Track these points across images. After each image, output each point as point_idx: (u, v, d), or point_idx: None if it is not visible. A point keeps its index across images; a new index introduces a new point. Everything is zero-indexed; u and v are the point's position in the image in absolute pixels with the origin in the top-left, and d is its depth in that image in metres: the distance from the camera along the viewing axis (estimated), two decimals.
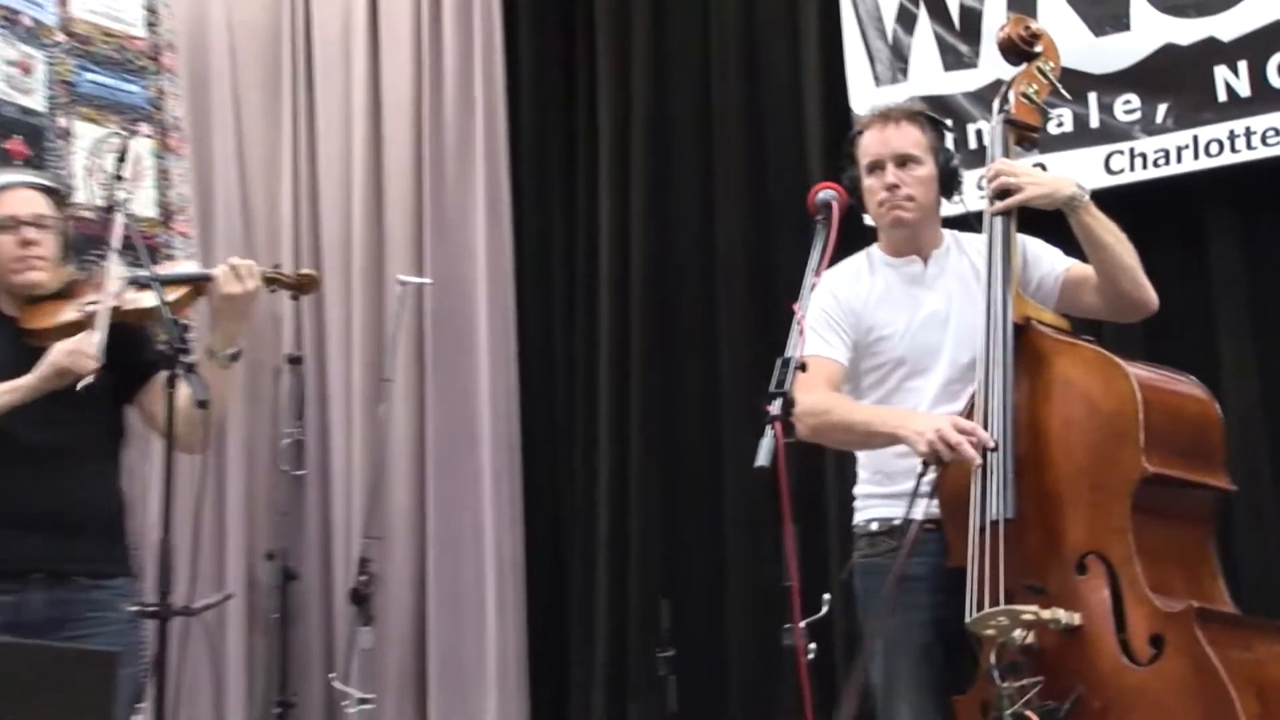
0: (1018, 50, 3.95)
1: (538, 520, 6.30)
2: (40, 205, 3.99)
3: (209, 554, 5.97)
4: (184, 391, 3.75)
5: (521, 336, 6.41)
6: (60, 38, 5.85)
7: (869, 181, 3.86)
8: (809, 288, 3.41)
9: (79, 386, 3.71)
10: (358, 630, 5.60)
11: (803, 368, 3.26)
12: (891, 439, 3.60)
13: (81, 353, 3.73)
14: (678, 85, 6.22)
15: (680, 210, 6.15)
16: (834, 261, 3.62)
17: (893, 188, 3.82)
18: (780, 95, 5.95)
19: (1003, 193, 3.72)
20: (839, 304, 3.84)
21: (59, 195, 4.13)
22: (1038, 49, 3.93)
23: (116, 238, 3.93)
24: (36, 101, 5.72)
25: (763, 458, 3.08)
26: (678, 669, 5.24)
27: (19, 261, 3.93)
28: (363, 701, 5.55)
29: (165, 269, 4.41)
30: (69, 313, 3.90)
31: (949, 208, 4.00)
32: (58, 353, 3.76)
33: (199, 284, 3.94)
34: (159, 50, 6.17)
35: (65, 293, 3.98)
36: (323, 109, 6.64)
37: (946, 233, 3.95)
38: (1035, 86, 3.90)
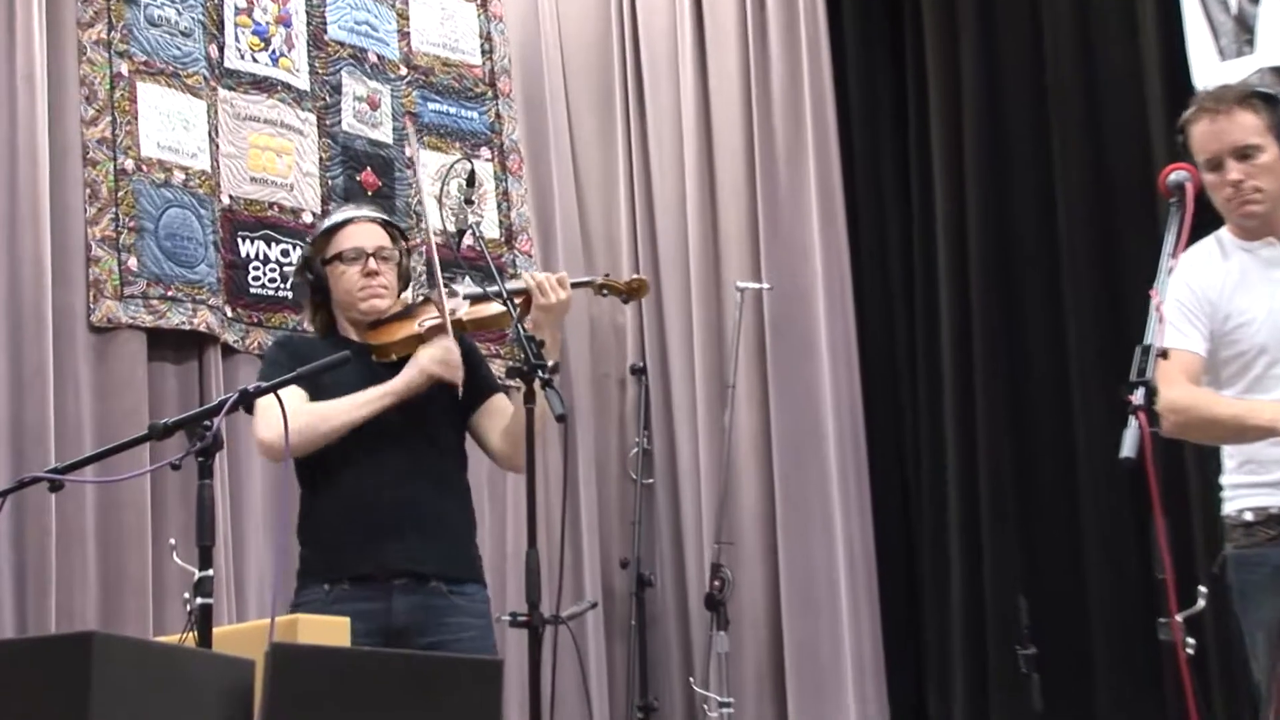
0: None
1: (887, 519, 6.26)
2: (383, 239, 4.22)
3: (566, 564, 6.07)
4: (506, 408, 3.94)
5: (862, 336, 6.37)
6: (404, 71, 6.06)
7: (1210, 177, 3.69)
8: (1166, 272, 3.32)
9: (460, 395, 3.97)
10: (714, 634, 5.64)
11: (1164, 355, 3.18)
12: (1268, 433, 3.48)
13: (449, 362, 3.95)
14: (1009, 68, 6.13)
15: (1018, 198, 6.06)
16: (1189, 244, 3.53)
17: (1237, 184, 3.67)
18: (1118, 74, 5.82)
19: None
20: (1193, 293, 3.71)
21: (398, 230, 4.35)
22: None
23: (461, 258, 4.10)
24: (384, 134, 5.93)
25: (1128, 448, 3.00)
26: (1040, 667, 5.15)
27: (363, 290, 4.14)
28: (723, 705, 5.59)
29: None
30: (410, 328, 4.11)
31: None
32: (427, 360, 3.97)
33: (522, 297, 4.07)
34: (495, 76, 6.34)
35: (403, 315, 4.18)
36: (653, 120, 6.71)
37: None
38: None
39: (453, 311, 4.07)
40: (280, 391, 3.48)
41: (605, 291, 4.33)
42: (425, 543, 4.01)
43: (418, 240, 5.78)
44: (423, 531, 4.01)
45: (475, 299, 4.17)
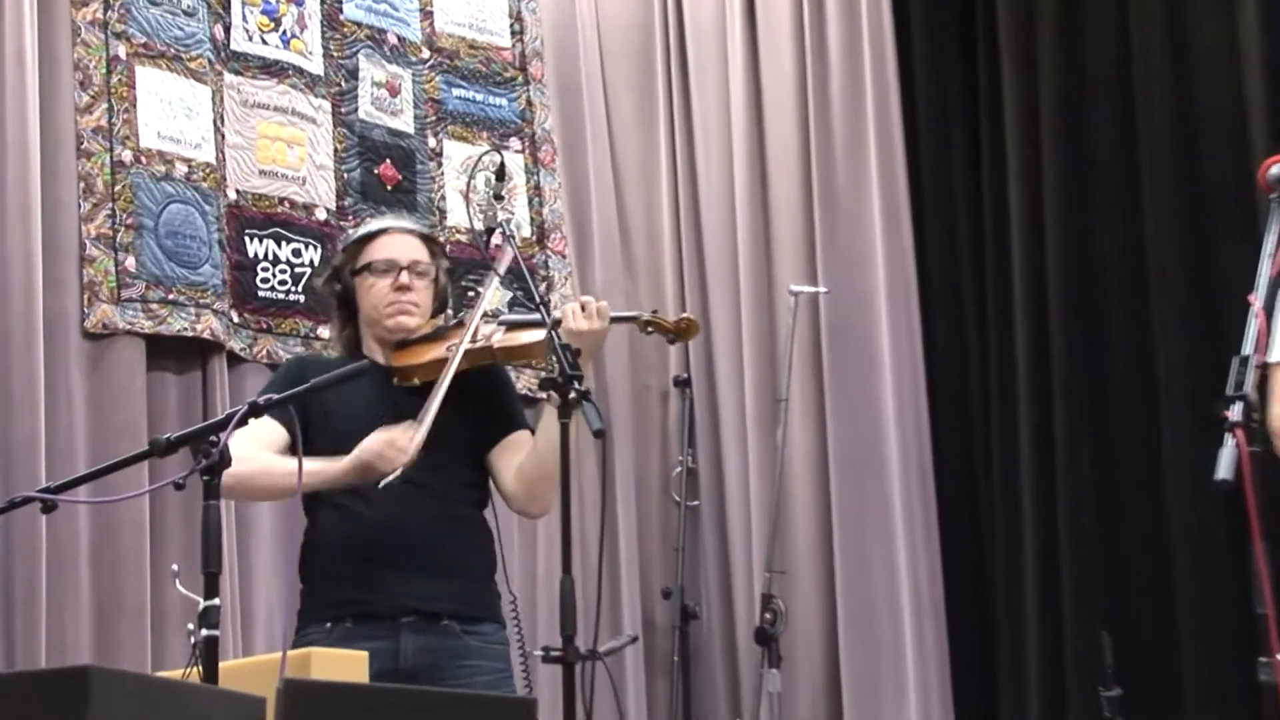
0: None
1: (955, 546, 6.25)
2: (419, 252, 4.20)
3: (604, 593, 6.03)
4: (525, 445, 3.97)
5: (928, 346, 6.37)
6: (426, 54, 6.06)
7: None
8: (1266, 275, 3.31)
9: (379, 485, 3.85)
10: (764, 672, 5.63)
11: (1263, 368, 3.16)
12: None
13: (394, 447, 3.85)
14: (1091, 55, 6.13)
15: (1101, 196, 6.05)
16: None
17: None
18: (1212, 58, 5.81)
19: None
20: None
21: (438, 245, 4.35)
22: None
23: (501, 263, 4.09)
24: (405, 123, 5.93)
25: (1224, 470, 3.01)
26: (1125, 710, 5.12)
27: (392, 305, 4.12)
28: None
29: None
30: (437, 351, 4.09)
31: None
32: (372, 442, 3.89)
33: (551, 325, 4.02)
34: (526, 60, 6.33)
35: (433, 337, 4.16)
36: (699, 107, 6.70)
37: None
38: None
39: (486, 338, 4.05)
40: (257, 426, 3.48)
41: (650, 329, 4.28)
42: (434, 580, 3.99)
43: (442, 239, 5.78)
44: (432, 569, 3.99)
45: (512, 325, 4.16)
